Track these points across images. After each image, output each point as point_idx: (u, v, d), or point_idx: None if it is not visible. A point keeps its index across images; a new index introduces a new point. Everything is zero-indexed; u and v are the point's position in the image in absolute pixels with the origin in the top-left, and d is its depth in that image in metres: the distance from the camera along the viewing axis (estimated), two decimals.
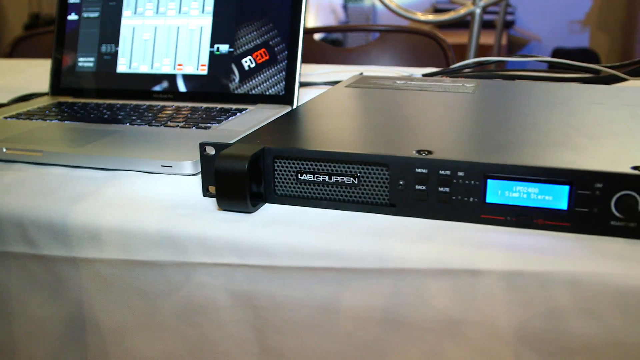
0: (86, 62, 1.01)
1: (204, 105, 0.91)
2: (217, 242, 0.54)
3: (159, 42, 0.97)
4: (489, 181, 0.52)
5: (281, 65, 0.90)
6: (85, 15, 1.02)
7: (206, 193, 0.60)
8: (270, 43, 0.91)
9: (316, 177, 0.56)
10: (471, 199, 0.53)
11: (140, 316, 0.58)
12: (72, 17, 1.03)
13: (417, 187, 0.53)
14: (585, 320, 0.47)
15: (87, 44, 1.02)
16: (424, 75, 1.03)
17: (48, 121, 0.85)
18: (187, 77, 0.95)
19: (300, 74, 0.89)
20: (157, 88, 0.97)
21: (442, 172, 0.52)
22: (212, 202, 0.59)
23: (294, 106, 0.88)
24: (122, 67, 0.99)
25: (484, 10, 1.55)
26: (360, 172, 0.55)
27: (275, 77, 0.90)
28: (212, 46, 0.94)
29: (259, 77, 0.91)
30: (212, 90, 0.93)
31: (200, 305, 0.56)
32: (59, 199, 0.61)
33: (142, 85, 0.97)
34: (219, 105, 0.90)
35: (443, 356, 0.50)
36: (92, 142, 0.74)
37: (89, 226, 0.58)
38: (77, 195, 0.62)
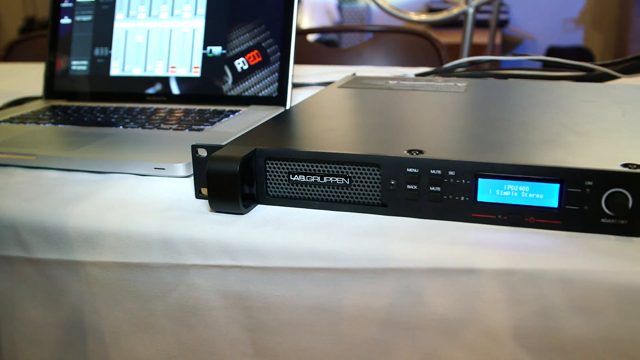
0: (79, 65, 1.01)
1: (198, 107, 0.91)
2: (209, 243, 0.54)
3: (152, 44, 0.97)
4: (480, 180, 0.52)
5: (274, 66, 0.90)
6: (78, 18, 1.02)
7: (199, 195, 0.60)
8: (263, 44, 0.91)
9: (308, 178, 0.57)
10: (462, 198, 0.53)
11: (134, 318, 0.58)
12: (65, 20, 1.03)
13: (409, 186, 0.54)
14: (578, 318, 0.47)
15: (81, 48, 1.02)
16: (416, 75, 1.04)
17: (41, 125, 0.85)
18: (180, 80, 0.95)
19: (293, 75, 0.89)
20: (150, 91, 0.97)
21: (433, 171, 0.53)
22: (204, 203, 0.59)
23: (287, 107, 0.89)
24: (115, 70, 0.99)
25: (477, 9, 1.55)
26: (351, 173, 0.55)
27: (268, 79, 0.90)
28: (204, 48, 0.94)
29: (252, 79, 0.91)
30: (206, 92, 0.94)
31: (194, 306, 0.56)
32: (53, 203, 0.61)
33: (136, 88, 0.98)
34: (212, 107, 0.90)
35: (437, 355, 0.50)
36: (85, 145, 0.74)
37: (82, 229, 0.58)
38: (70, 198, 0.62)
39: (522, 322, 0.48)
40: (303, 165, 0.56)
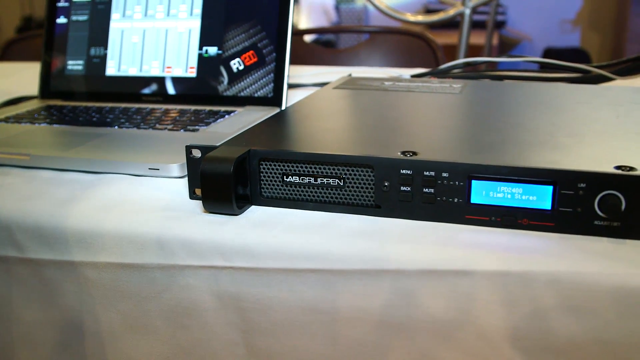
0: (75, 65, 1.01)
1: (193, 107, 0.91)
2: (202, 244, 0.54)
3: (148, 44, 0.97)
4: (474, 182, 0.52)
5: (269, 67, 0.90)
6: (74, 18, 1.02)
7: (193, 195, 0.60)
8: (259, 45, 0.91)
9: (302, 179, 0.57)
10: (456, 200, 0.53)
11: (129, 319, 0.58)
12: (61, 20, 1.03)
13: (402, 188, 0.54)
14: (571, 319, 0.47)
15: (76, 47, 1.02)
16: (412, 76, 1.04)
17: (36, 125, 0.85)
18: (176, 80, 0.95)
19: (288, 75, 0.89)
20: (146, 91, 0.97)
21: (426, 173, 0.53)
22: (198, 204, 0.59)
23: (283, 108, 0.89)
24: (111, 70, 0.99)
25: (474, 10, 1.55)
26: (345, 174, 0.55)
27: (264, 79, 0.90)
28: (200, 48, 0.94)
29: (248, 79, 0.91)
30: (201, 92, 0.94)
31: (187, 307, 0.56)
32: (47, 203, 0.61)
33: (131, 88, 0.98)
34: (207, 108, 0.90)
35: (431, 357, 0.50)
36: (80, 145, 0.74)
37: (76, 230, 0.58)
38: (64, 198, 0.62)
39: (516, 324, 0.48)
40: (297, 167, 0.56)
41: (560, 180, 0.50)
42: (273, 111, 0.87)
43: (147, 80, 0.97)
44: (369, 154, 0.54)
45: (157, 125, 0.82)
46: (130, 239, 0.56)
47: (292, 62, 0.90)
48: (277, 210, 0.58)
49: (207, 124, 0.82)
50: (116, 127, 0.82)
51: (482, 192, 0.52)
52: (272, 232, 0.54)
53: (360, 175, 0.55)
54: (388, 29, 1.59)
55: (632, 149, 0.55)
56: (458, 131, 0.63)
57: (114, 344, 0.59)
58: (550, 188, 0.51)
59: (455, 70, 1.07)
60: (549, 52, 4.00)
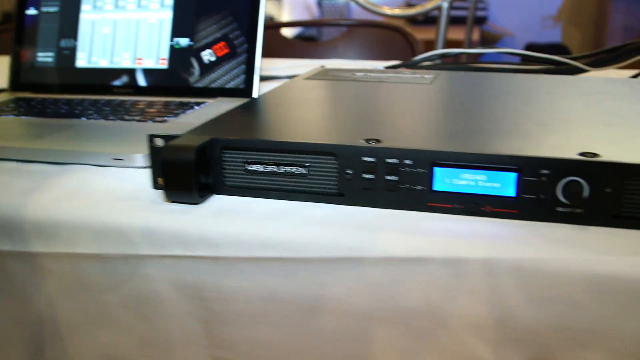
0: (45, 57, 1.00)
1: (164, 99, 0.90)
2: (163, 233, 0.53)
3: (119, 36, 0.96)
4: (436, 169, 0.51)
5: (241, 58, 0.89)
6: (44, 9, 1.01)
7: (156, 185, 0.59)
8: (230, 36, 0.90)
9: (265, 168, 0.56)
10: (419, 187, 0.52)
11: (89, 311, 0.57)
12: (31, 11, 1.02)
13: (365, 176, 0.53)
14: (532, 307, 0.47)
15: (47, 39, 1.00)
16: (386, 67, 1.03)
17: (4, 116, 0.84)
18: (147, 71, 0.94)
19: (260, 66, 0.88)
20: (116, 82, 0.96)
21: (389, 160, 0.52)
22: (161, 194, 0.58)
23: None
24: (81, 62, 0.98)
25: (451, 4, 1.55)
26: (308, 162, 0.55)
27: (235, 70, 0.90)
28: (172, 40, 0.93)
29: (219, 71, 0.90)
30: (172, 84, 0.93)
31: (148, 298, 0.55)
32: (8, 193, 0.60)
33: (102, 80, 0.96)
34: (178, 99, 0.89)
35: (391, 345, 0.50)
36: (45, 136, 0.73)
37: (37, 220, 0.57)
38: (26, 189, 0.61)
39: (478, 312, 0.48)
40: (260, 155, 0.56)
41: (524, 167, 0.50)
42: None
43: (117, 72, 0.96)
44: (332, 141, 0.54)
45: (126, 117, 0.81)
46: (90, 229, 0.55)
47: (267, 55, 0.89)
48: (240, 199, 0.57)
49: (176, 115, 0.81)
50: (84, 118, 0.81)
51: (445, 180, 0.52)
52: (233, 220, 0.53)
53: (323, 163, 0.54)
54: (366, 23, 1.59)
55: (598, 137, 0.55)
56: (424, 120, 0.62)
57: (75, 336, 0.58)
58: (513, 175, 0.50)
59: (429, 62, 1.07)
60: (530, 48, 4.01)
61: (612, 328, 0.46)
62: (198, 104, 0.86)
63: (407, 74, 0.88)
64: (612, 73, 1.11)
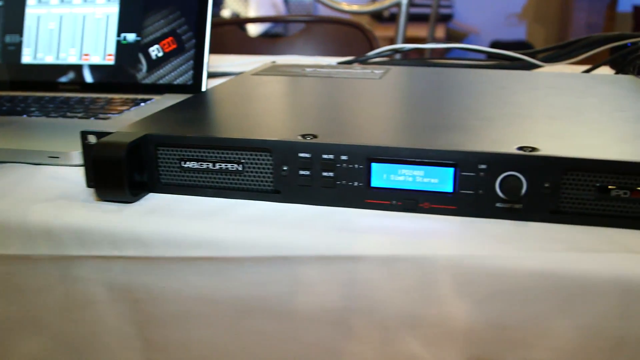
0: None
1: (110, 96, 0.88)
2: (93, 234, 0.51)
3: (65, 31, 0.94)
4: (373, 164, 0.50)
5: (189, 53, 0.88)
6: None
7: (90, 184, 0.57)
8: (178, 31, 0.88)
9: (200, 165, 0.54)
10: (356, 184, 0.51)
11: (19, 314, 0.55)
12: None
13: (301, 172, 0.52)
14: (468, 305, 0.46)
15: None
16: (338, 63, 1.02)
17: None
18: (93, 68, 0.92)
19: (208, 62, 0.87)
20: (63, 79, 0.93)
21: (325, 156, 0.51)
22: (93, 193, 0.57)
23: None
24: (27, 58, 0.95)
25: (411, 2, 1.54)
26: (244, 159, 0.53)
27: (183, 66, 0.88)
28: (118, 35, 0.91)
29: (167, 67, 0.88)
30: (120, 80, 0.91)
31: (79, 300, 0.53)
32: None
33: (48, 77, 0.94)
34: (124, 96, 0.87)
35: (323, 344, 0.49)
36: None
37: None
38: None
39: (413, 311, 0.46)
40: (194, 152, 0.54)
41: (461, 162, 0.49)
42: None
43: (64, 69, 0.93)
44: (268, 137, 0.52)
45: (68, 114, 0.78)
46: (20, 229, 0.53)
47: (225, 52, 0.87)
48: (175, 197, 0.55)
49: (120, 112, 0.79)
50: (25, 116, 0.79)
51: (383, 176, 0.50)
52: (165, 219, 0.51)
53: (258, 159, 0.53)
54: (324, 19, 1.57)
55: (539, 131, 0.54)
56: (366, 115, 0.61)
57: (5, 341, 0.56)
58: (451, 170, 0.49)
59: (384, 59, 1.06)
60: (495, 45, 4.03)
61: (552, 326, 0.45)
62: (145, 100, 0.84)
63: (357, 69, 0.87)
64: (567, 68, 1.11)
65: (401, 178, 0.50)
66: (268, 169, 0.53)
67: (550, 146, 0.49)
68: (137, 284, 0.51)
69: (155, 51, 0.89)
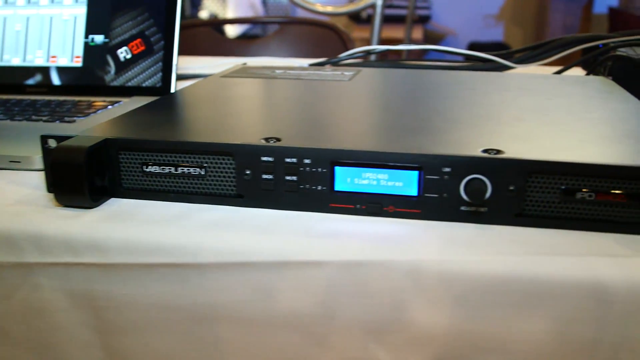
0: None
1: (77, 98, 0.86)
2: (51, 240, 0.50)
3: (32, 33, 0.92)
4: (337, 168, 0.50)
5: (157, 55, 0.87)
6: None
7: (50, 189, 0.56)
8: (147, 33, 0.87)
9: (162, 169, 0.53)
10: (319, 188, 0.50)
11: None
12: None
13: (264, 176, 0.51)
14: (431, 311, 0.45)
15: None
16: (310, 64, 1.01)
17: None
18: (61, 70, 0.91)
19: (177, 64, 0.86)
20: (30, 82, 0.92)
21: (288, 160, 0.50)
22: (54, 198, 0.55)
23: None
24: None
25: (385, 3, 1.54)
26: (206, 163, 0.52)
27: (152, 68, 0.87)
28: (86, 37, 0.90)
29: (135, 69, 0.87)
30: (88, 82, 0.89)
31: (40, 308, 0.52)
32: None
33: (15, 79, 0.92)
34: (92, 99, 0.86)
35: (286, 351, 0.48)
36: None
37: None
38: None
39: (377, 317, 0.46)
40: (156, 156, 0.53)
41: (426, 165, 0.48)
42: None
43: (31, 71, 0.92)
44: (231, 141, 0.51)
45: (33, 117, 0.77)
46: None
47: (197, 53, 0.86)
48: (137, 202, 0.54)
49: (87, 115, 0.78)
50: None
51: (347, 179, 0.50)
52: (125, 225, 0.50)
53: (221, 163, 0.52)
54: (299, 20, 1.57)
55: (505, 134, 0.54)
56: (331, 118, 0.60)
57: None
58: (415, 173, 0.49)
59: (357, 60, 1.05)
60: (473, 46, 4.05)
61: (514, 331, 0.44)
62: (113, 103, 0.83)
63: (328, 71, 0.86)
64: (540, 69, 1.11)
65: (365, 182, 0.50)
66: (231, 173, 0.52)
67: (516, 148, 0.49)
68: (98, 291, 0.50)
69: (123, 53, 0.88)
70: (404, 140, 0.52)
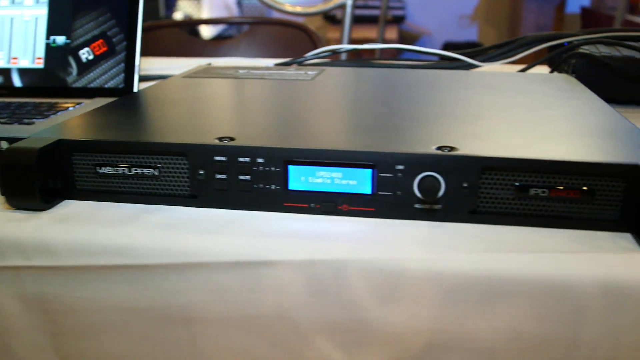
0: None
1: (39, 100, 0.85)
2: (2, 243, 0.49)
3: None
4: (290, 167, 0.49)
5: (120, 56, 0.86)
6: None
7: (1, 190, 0.55)
8: (109, 34, 0.86)
9: (115, 170, 0.53)
10: (273, 187, 0.50)
11: None
12: None
13: (218, 176, 0.50)
14: (385, 310, 0.45)
15: None
16: (275, 64, 1.01)
17: None
18: (22, 71, 0.89)
19: (139, 65, 0.85)
20: None
21: (241, 159, 0.50)
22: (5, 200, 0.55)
23: None
24: None
25: (359, 3, 1.54)
26: (160, 163, 0.52)
27: (114, 69, 0.86)
28: (48, 38, 0.89)
29: (98, 70, 0.86)
30: (49, 84, 0.88)
31: None
32: None
33: None
34: (54, 100, 0.85)
35: (241, 352, 0.48)
36: None
37: None
38: None
39: (329, 317, 0.45)
40: (109, 157, 0.52)
41: (379, 163, 0.48)
42: None
43: None
44: (183, 141, 0.51)
45: None
46: None
47: (167, 55, 0.86)
48: (91, 204, 0.54)
49: (47, 116, 0.76)
50: None
51: (300, 178, 0.49)
52: (77, 227, 0.49)
53: (174, 163, 0.51)
54: (268, 20, 1.56)
55: (462, 131, 0.54)
56: (288, 117, 0.60)
57: None
58: (369, 171, 0.49)
59: (324, 60, 1.05)
60: (447, 46, 4.07)
61: (469, 328, 0.44)
62: (74, 104, 0.82)
63: (292, 70, 0.86)
64: (506, 68, 1.12)
65: (319, 180, 0.49)
66: (184, 173, 0.51)
67: (470, 145, 0.49)
68: (50, 294, 0.49)
69: (85, 54, 0.87)
70: (359, 138, 0.52)
